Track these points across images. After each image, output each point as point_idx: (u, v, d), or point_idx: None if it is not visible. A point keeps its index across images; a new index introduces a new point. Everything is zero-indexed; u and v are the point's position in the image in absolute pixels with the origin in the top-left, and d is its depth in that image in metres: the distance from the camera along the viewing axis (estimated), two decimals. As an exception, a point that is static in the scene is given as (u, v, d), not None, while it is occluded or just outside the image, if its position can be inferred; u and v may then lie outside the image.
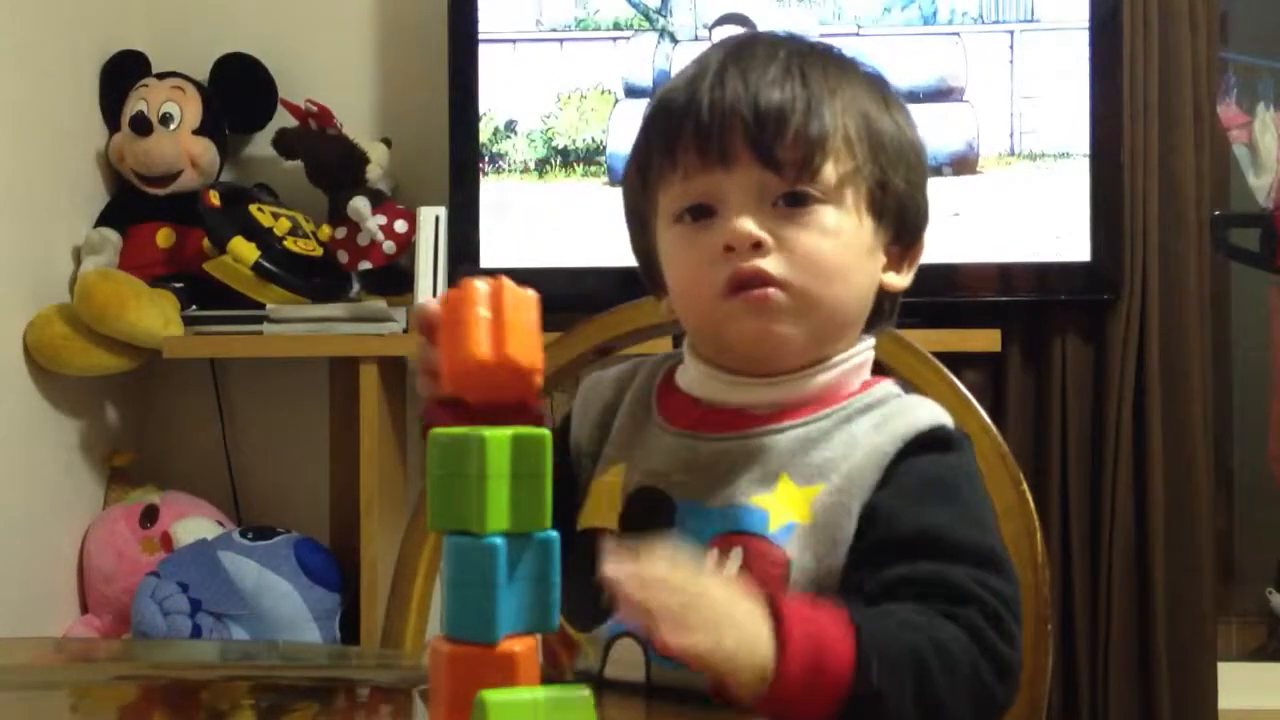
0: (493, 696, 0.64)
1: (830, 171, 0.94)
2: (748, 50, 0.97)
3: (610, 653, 0.95)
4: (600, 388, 1.05)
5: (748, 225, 0.92)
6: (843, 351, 0.98)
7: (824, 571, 0.91)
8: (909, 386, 1.03)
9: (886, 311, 1.02)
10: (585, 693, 0.66)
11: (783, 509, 0.92)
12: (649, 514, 0.95)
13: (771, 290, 0.92)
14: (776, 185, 0.93)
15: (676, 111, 0.96)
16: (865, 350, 1.00)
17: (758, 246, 0.92)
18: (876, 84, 1.00)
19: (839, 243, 0.94)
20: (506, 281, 0.71)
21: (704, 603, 0.78)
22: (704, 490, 0.95)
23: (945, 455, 0.94)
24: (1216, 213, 2.44)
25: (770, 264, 0.92)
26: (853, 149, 0.95)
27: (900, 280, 1.01)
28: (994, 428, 1.19)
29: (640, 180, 1.00)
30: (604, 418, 1.03)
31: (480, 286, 0.70)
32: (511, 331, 0.69)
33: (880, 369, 1.06)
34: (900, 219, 0.98)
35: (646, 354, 1.08)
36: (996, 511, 0.98)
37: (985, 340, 2.18)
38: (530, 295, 0.71)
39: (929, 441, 0.93)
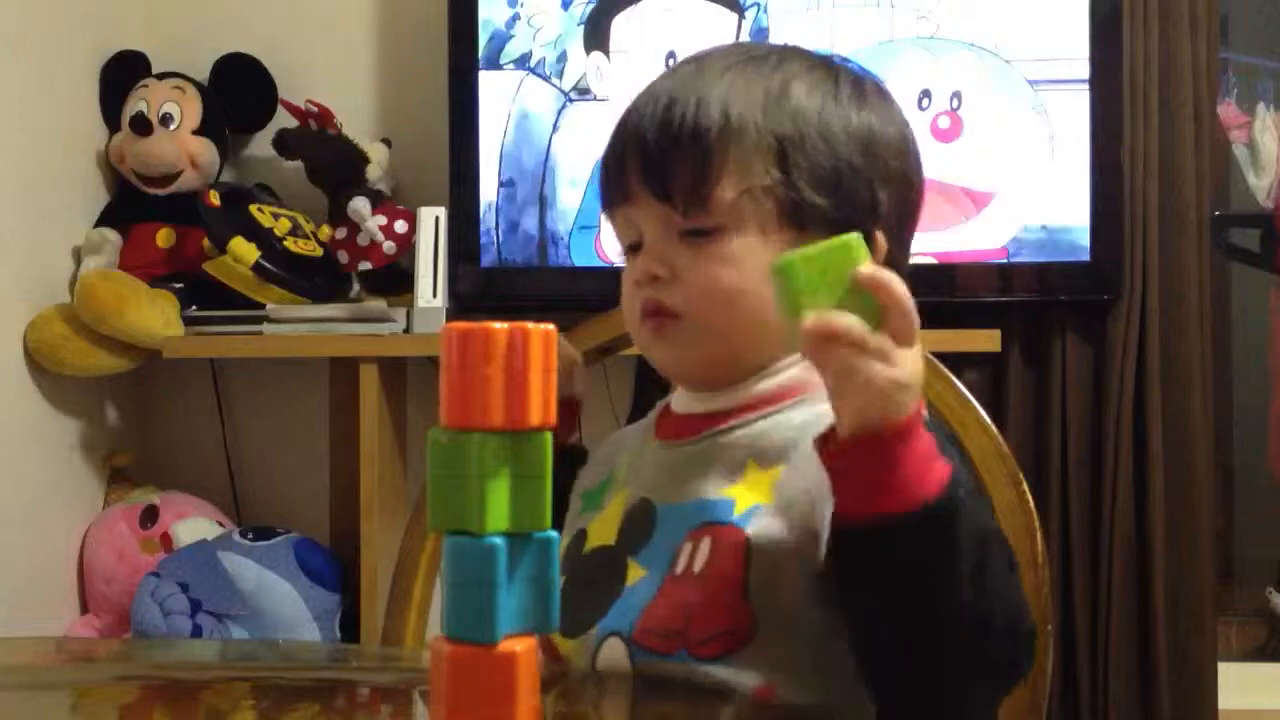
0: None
1: (727, 194, 0.96)
2: (676, 69, 1.02)
3: (598, 655, 0.97)
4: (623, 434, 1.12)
5: (647, 260, 0.98)
6: (785, 358, 0.99)
7: (787, 549, 0.91)
8: None
9: None
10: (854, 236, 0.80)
11: (748, 494, 0.95)
12: (636, 524, 1.00)
13: (668, 320, 0.98)
14: (675, 218, 0.97)
15: (607, 147, 1.02)
16: None
17: (656, 279, 0.97)
18: (821, 80, 0.99)
19: (738, 270, 0.96)
20: (530, 328, 0.68)
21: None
22: (680, 492, 0.98)
23: None
24: (1216, 213, 2.44)
25: (667, 295, 0.97)
26: (751, 165, 0.96)
27: None
28: (994, 428, 1.19)
29: (601, 205, 1.07)
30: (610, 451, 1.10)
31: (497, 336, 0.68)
32: (533, 393, 0.67)
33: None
34: (831, 224, 0.94)
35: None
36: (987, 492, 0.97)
37: (985, 340, 2.18)
38: (551, 333, 0.68)
39: None
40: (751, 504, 0.94)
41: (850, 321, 0.79)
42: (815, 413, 0.93)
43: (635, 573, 0.97)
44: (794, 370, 0.99)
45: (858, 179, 0.98)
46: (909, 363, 0.82)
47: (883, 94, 1.03)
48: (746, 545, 0.92)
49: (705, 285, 0.96)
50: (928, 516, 0.81)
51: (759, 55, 1.01)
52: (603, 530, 1.02)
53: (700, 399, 1.02)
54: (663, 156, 0.97)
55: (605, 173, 1.02)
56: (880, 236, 0.97)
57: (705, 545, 0.94)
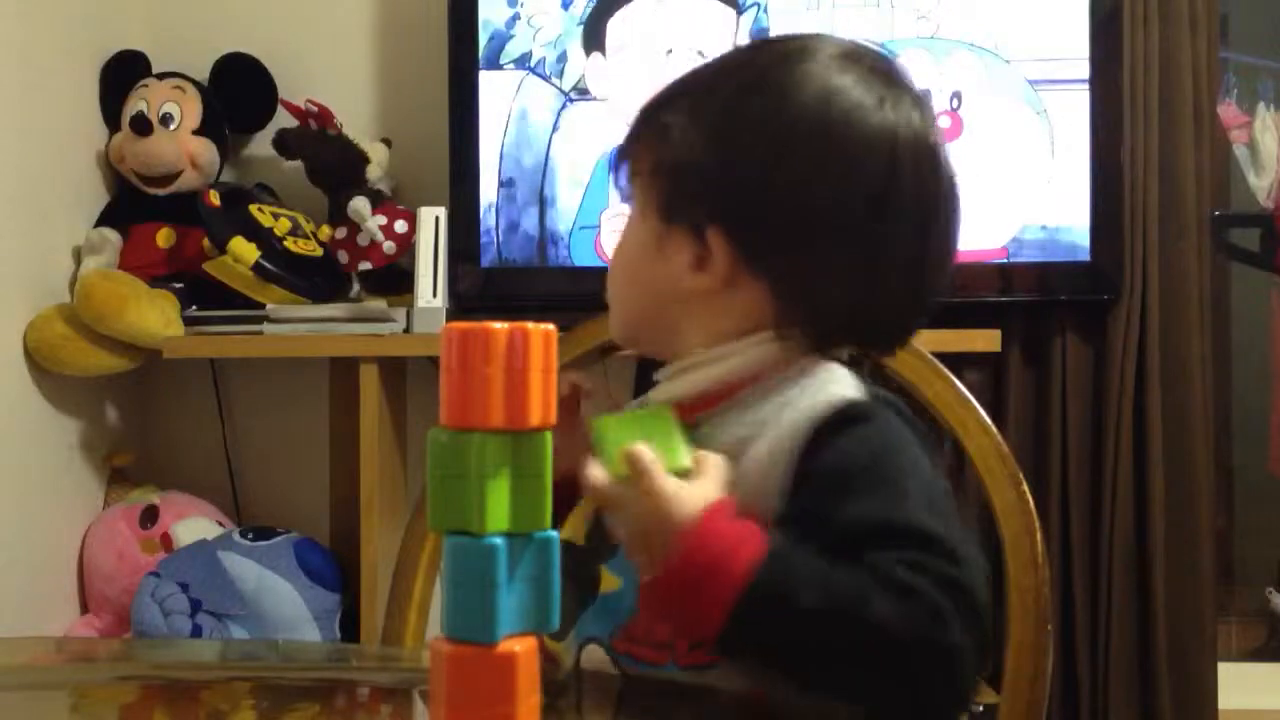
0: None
1: (636, 179, 1.01)
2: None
3: (580, 659, 0.97)
4: None
5: None
6: (722, 345, 0.97)
7: None
8: (834, 365, 0.98)
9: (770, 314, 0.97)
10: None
11: None
12: (598, 523, 0.98)
13: None
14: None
15: None
16: (753, 345, 0.97)
17: None
18: (751, 81, 0.98)
19: (622, 244, 1.03)
20: (531, 329, 0.68)
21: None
22: None
23: (854, 433, 0.90)
24: (1216, 213, 2.44)
25: None
26: (650, 162, 0.99)
27: (692, 281, 0.97)
28: (994, 428, 1.19)
29: None
30: None
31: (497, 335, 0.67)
32: (533, 393, 0.67)
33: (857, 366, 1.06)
34: (696, 224, 0.96)
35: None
36: (935, 476, 0.90)
37: (985, 340, 2.17)
38: (551, 333, 0.68)
39: (840, 420, 0.90)
40: None
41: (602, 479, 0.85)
42: (763, 412, 0.93)
43: (610, 581, 0.97)
44: (734, 358, 0.97)
45: (703, 177, 0.97)
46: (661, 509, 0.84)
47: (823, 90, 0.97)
48: None
49: (613, 253, 1.06)
50: (739, 622, 0.82)
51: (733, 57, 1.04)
52: (574, 523, 1.01)
53: (667, 376, 1.01)
54: (626, 139, 1.04)
55: None
56: (713, 235, 0.96)
57: None
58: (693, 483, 0.86)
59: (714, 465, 0.88)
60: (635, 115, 1.02)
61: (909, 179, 0.96)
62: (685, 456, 0.88)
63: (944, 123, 2.23)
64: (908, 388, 1.21)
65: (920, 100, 0.99)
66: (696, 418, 0.95)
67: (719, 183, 0.97)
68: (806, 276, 0.96)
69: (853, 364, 0.99)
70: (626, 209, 1.03)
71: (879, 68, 0.99)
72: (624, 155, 1.02)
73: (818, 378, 0.95)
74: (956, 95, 2.24)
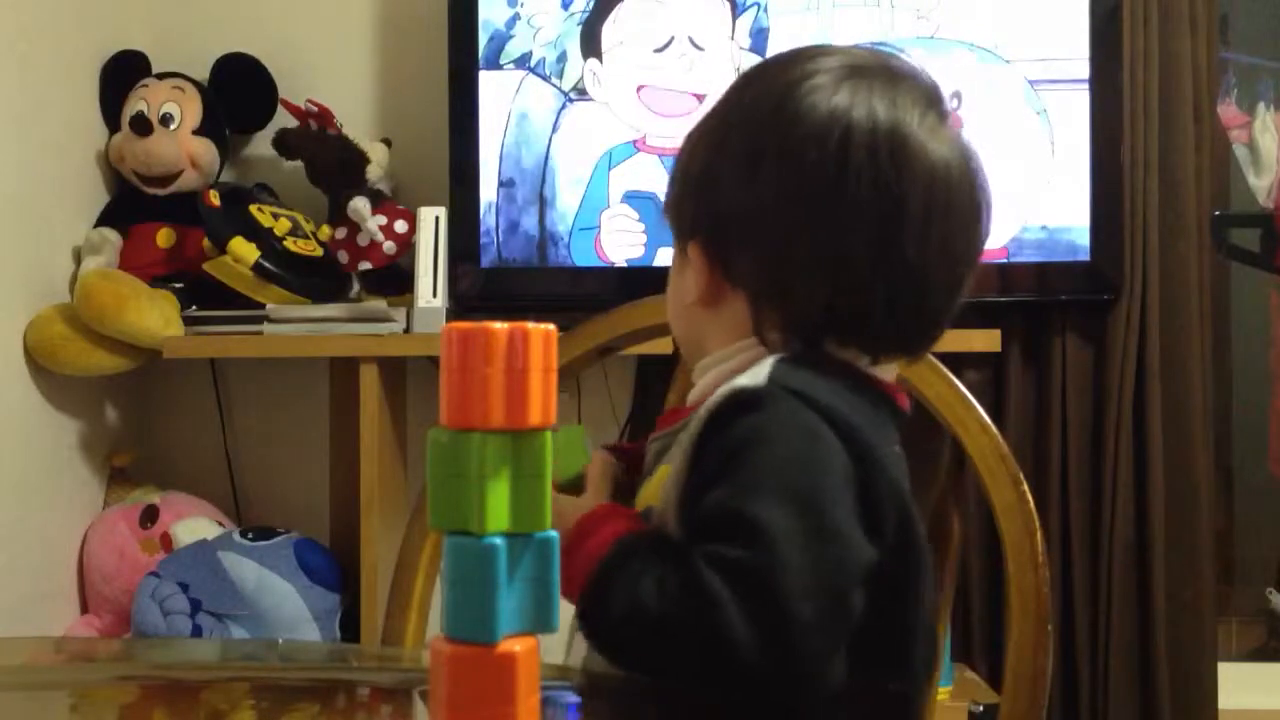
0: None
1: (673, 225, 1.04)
2: None
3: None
4: None
5: None
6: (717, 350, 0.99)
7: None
8: (769, 358, 0.96)
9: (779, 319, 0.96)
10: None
11: (647, 495, 0.95)
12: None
13: None
14: None
15: None
16: (736, 352, 0.97)
17: None
18: (725, 98, 1.01)
19: (671, 274, 1.04)
20: (531, 329, 0.67)
21: None
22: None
23: (734, 425, 0.88)
24: (1216, 213, 2.44)
25: None
26: (674, 185, 1.02)
27: (690, 297, 0.99)
28: (994, 428, 1.19)
29: None
30: None
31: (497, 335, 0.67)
32: (533, 393, 0.67)
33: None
34: (677, 237, 1.02)
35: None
36: (820, 462, 0.87)
37: (985, 340, 2.17)
38: (551, 333, 0.68)
39: (724, 413, 0.88)
40: (645, 506, 0.94)
41: None
42: (697, 414, 0.91)
43: None
44: (723, 364, 0.98)
45: (685, 191, 1.00)
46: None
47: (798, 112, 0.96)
48: None
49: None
50: (584, 621, 0.86)
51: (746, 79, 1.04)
52: None
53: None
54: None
55: None
56: (693, 248, 0.98)
57: None
58: (582, 496, 0.94)
59: (596, 475, 0.96)
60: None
61: (865, 169, 0.92)
62: (579, 466, 1.00)
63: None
64: (907, 388, 1.21)
65: (902, 90, 0.97)
66: (681, 421, 0.95)
67: (694, 197, 0.99)
68: (773, 280, 0.95)
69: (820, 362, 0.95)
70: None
71: (856, 62, 0.98)
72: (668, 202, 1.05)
73: (742, 373, 0.93)
74: (956, 95, 2.23)
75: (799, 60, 0.98)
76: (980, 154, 0.99)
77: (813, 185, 0.92)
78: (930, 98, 0.98)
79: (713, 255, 0.97)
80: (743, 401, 0.88)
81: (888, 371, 0.98)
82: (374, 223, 2.29)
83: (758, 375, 0.90)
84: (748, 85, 1.00)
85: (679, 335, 1.05)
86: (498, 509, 0.66)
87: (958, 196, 0.95)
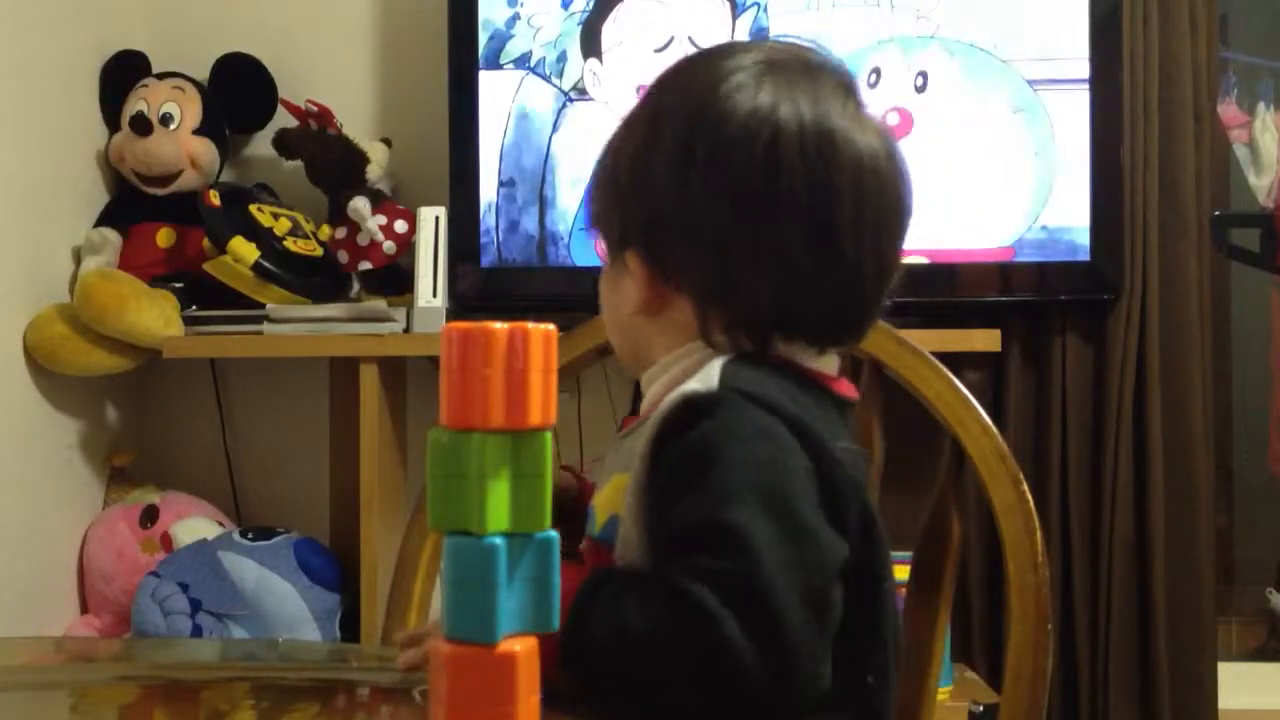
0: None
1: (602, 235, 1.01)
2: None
3: None
4: None
5: None
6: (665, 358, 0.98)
7: (634, 559, 0.88)
8: (715, 360, 0.95)
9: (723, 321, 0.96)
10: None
11: (608, 503, 0.93)
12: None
13: None
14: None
15: None
16: (681, 356, 0.97)
17: None
18: (653, 92, 1.00)
19: (603, 288, 1.03)
20: (531, 329, 0.67)
21: None
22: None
23: (689, 432, 0.87)
24: (1216, 213, 2.44)
25: None
26: (602, 195, 1.01)
27: (630, 307, 0.99)
28: (994, 428, 1.19)
29: None
30: None
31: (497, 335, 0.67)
32: (533, 393, 0.67)
33: (857, 366, 1.05)
34: (619, 246, 0.99)
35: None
36: (775, 466, 0.87)
37: (985, 340, 2.17)
38: (551, 333, 0.68)
39: (678, 420, 0.88)
40: (609, 514, 0.92)
41: None
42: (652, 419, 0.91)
43: None
44: (675, 368, 0.97)
45: (616, 200, 0.99)
46: None
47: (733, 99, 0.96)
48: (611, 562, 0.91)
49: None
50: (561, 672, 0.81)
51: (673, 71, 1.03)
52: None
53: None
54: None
55: None
56: (631, 257, 0.97)
57: (589, 557, 0.95)
58: None
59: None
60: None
61: (796, 167, 0.92)
62: None
63: (932, 117, 2.23)
64: (908, 388, 1.21)
65: (821, 82, 0.96)
66: (633, 425, 0.96)
67: (625, 206, 0.98)
68: (716, 281, 0.94)
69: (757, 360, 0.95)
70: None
71: (773, 57, 0.97)
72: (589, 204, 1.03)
73: (689, 376, 0.92)
74: (956, 95, 2.23)
75: (716, 59, 0.97)
76: (898, 139, 0.99)
77: (746, 186, 0.93)
78: (848, 87, 0.97)
79: (652, 262, 0.96)
80: (696, 406, 0.87)
81: (830, 364, 0.98)
82: (374, 223, 2.29)
83: (708, 379, 0.90)
84: (666, 88, 0.99)
85: (621, 348, 1.03)
86: (498, 509, 0.66)
87: (886, 182, 0.96)
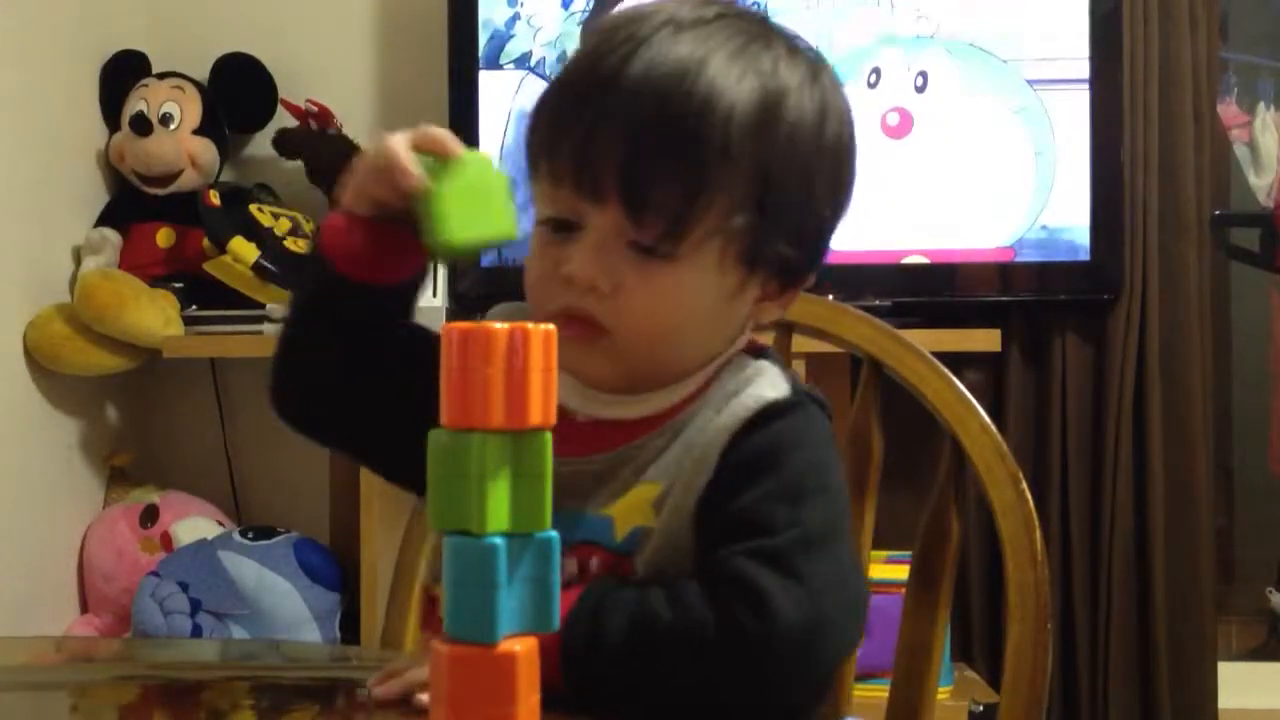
0: None
1: (700, 231, 0.87)
2: (654, 36, 0.88)
3: None
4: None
5: (588, 269, 0.88)
6: (706, 366, 0.93)
7: (670, 573, 0.86)
8: (765, 353, 0.95)
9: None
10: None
11: (628, 515, 0.89)
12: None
13: (594, 332, 0.89)
14: (635, 233, 0.87)
15: (565, 110, 0.90)
16: (738, 363, 0.94)
17: (595, 287, 0.89)
18: (803, 80, 0.91)
19: (680, 303, 0.89)
20: (531, 329, 0.66)
21: None
22: (560, 505, 0.88)
23: (767, 429, 0.87)
24: (1216, 213, 2.44)
25: (601, 310, 0.89)
26: (735, 207, 0.87)
27: (773, 313, 0.95)
28: (994, 428, 1.19)
29: (526, 144, 0.97)
30: None
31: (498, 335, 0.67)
32: (533, 393, 0.67)
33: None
34: (780, 266, 0.91)
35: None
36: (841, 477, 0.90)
37: (985, 340, 2.18)
38: (551, 333, 0.68)
39: (752, 423, 0.87)
40: (632, 527, 0.88)
41: None
42: (697, 427, 0.89)
43: None
44: (697, 378, 0.92)
45: (824, 230, 0.93)
46: None
47: (838, 85, 0.94)
48: (633, 575, 0.88)
49: (646, 313, 0.88)
50: (572, 672, 0.81)
51: (744, 27, 0.90)
52: None
53: (604, 402, 0.93)
54: (654, 165, 0.86)
55: (557, 138, 0.90)
56: (732, 235, 0.89)
57: (595, 567, 0.89)
58: None
59: None
60: (693, 154, 0.87)
61: (852, 139, 0.95)
62: (511, 223, 0.89)
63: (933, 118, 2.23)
64: (908, 388, 1.21)
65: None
66: (644, 438, 0.91)
67: (831, 233, 0.95)
68: (808, 260, 0.93)
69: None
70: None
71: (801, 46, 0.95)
72: (690, 209, 0.87)
73: (747, 380, 0.91)
74: (956, 95, 2.24)
75: (742, 67, 0.89)
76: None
77: (848, 173, 0.94)
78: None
79: (757, 241, 0.89)
80: (772, 414, 0.88)
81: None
82: (374, 223, 2.29)
83: (769, 384, 0.90)
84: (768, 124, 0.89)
85: (657, 351, 0.91)
86: (498, 509, 0.66)
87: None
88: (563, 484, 0.89)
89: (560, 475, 0.89)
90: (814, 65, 0.93)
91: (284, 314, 1.00)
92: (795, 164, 0.89)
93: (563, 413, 0.93)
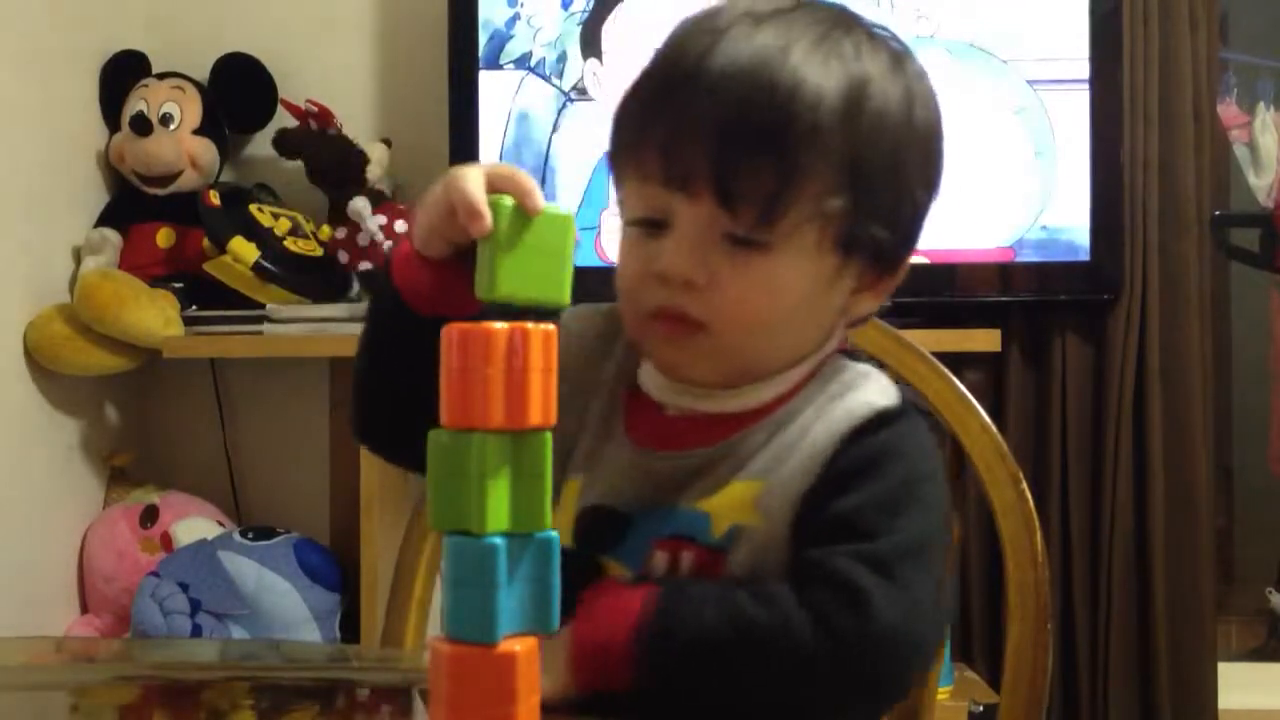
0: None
1: (794, 216, 0.87)
2: (733, 28, 0.88)
3: None
4: (589, 328, 0.99)
5: (682, 264, 0.87)
6: (802, 363, 0.93)
7: (769, 572, 0.86)
8: (860, 355, 0.96)
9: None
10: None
11: (727, 511, 0.88)
12: (601, 531, 0.92)
13: (689, 328, 0.88)
14: (729, 223, 0.87)
15: (649, 107, 0.89)
16: (827, 352, 0.94)
17: (690, 283, 0.87)
18: (888, 69, 0.91)
19: (777, 292, 0.88)
20: (530, 329, 0.67)
21: None
22: (654, 499, 0.91)
23: (875, 436, 0.87)
24: (1216, 213, 2.44)
25: (695, 305, 0.88)
26: (828, 191, 0.87)
27: (869, 304, 0.94)
28: (994, 428, 1.19)
29: (612, 148, 0.93)
30: (590, 368, 0.98)
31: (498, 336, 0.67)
32: (533, 393, 0.67)
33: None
34: (875, 251, 0.91)
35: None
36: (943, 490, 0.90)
37: (985, 340, 2.18)
38: (551, 333, 0.68)
39: (862, 430, 0.88)
40: (730, 524, 0.88)
41: None
42: (800, 426, 0.89)
43: (619, 573, 0.91)
44: (794, 374, 0.92)
45: (917, 212, 0.94)
46: None
47: (922, 72, 0.96)
48: (728, 572, 0.87)
49: (743, 305, 0.88)
50: (646, 668, 0.81)
51: (823, 16, 0.91)
52: (559, 524, 0.97)
53: (697, 397, 0.93)
54: (744, 153, 0.86)
55: (643, 136, 0.89)
56: (830, 218, 0.88)
57: (686, 561, 0.88)
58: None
59: None
60: (781, 142, 0.86)
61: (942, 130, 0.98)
62: (565, 289, 0.84)
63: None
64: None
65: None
66: (741, 433, 0.90)
67: (925, 217, 0.95)
68: (903, 247, 0.94)
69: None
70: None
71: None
72: (783, 196, 0.86)
73: (853, 384, 0.91)
74: (956, 95, 2.24)
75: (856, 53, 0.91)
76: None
77: (937, 157, 0.96)
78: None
79: (853, 228, 0.89)
80: (884, 420, 0.88)
81: None
82: (374, 223, 2.29)
83: (876, 390, 0.90)
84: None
85: (747, 348, 0.90)
86: (497, 509, 0.66)
87: None
88: (657, 478, 0.91)
89: (655, 469, 0.91)
90: (896, 52, 0.93)
91: (359, 339, 0.97)
92: (884, 146, 0.89)
93: (654, 407, 0.94)
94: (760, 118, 0.86)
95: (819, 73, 0.87)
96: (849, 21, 0.92)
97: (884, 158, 0.89)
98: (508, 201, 0.77)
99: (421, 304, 0.89)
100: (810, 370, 0.93)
